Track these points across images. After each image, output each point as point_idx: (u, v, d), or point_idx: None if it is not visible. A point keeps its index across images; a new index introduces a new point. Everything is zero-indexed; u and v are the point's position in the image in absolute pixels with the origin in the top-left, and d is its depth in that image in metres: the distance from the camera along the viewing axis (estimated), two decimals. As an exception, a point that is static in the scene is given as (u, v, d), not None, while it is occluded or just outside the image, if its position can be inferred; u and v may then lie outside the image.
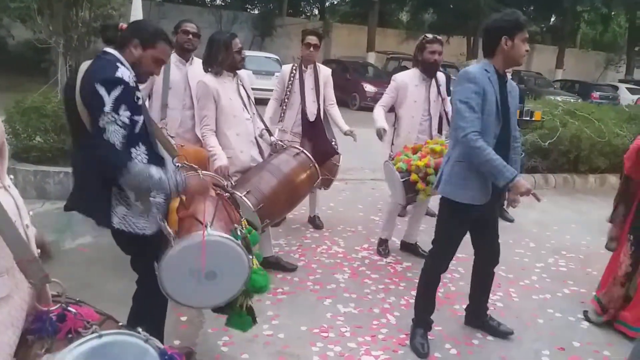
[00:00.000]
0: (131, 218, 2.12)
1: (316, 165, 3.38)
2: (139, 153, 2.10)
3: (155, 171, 2.02)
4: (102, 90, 1.94)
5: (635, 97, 18.40)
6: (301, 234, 4.53)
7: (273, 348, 2.78)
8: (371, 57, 20.43)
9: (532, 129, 6.32)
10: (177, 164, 2.49)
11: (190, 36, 3.65)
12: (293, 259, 3.93)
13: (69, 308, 1.40)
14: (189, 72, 3.69)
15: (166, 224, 2.15)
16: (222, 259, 2.05)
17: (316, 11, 26.07)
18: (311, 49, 4.18)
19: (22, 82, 10.66)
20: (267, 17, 21.08)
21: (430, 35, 3.96)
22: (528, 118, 4.95)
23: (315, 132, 4.31)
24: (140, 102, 2.09)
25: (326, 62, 17.00)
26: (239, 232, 2.16)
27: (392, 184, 3.84)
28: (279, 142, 3.53)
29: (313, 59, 4.28)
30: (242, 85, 3.43)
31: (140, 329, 1.45)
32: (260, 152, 3.50)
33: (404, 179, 3.57)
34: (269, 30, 20.92)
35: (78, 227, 4.10)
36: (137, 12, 4.37)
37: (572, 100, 12.38)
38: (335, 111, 4.48)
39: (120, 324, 1.52)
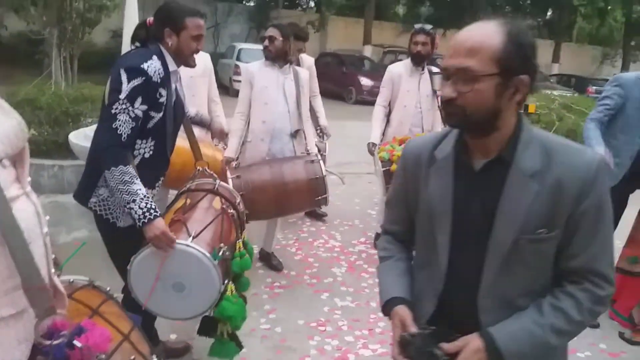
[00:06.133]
0: (109, 203, 2.10)
1: (326, 180, 3.21)
2: (145, 146, 2.10)
3: (135, 188, 1.93)
4: (123, 77, 1.94)
5: (631, 91, 18.37)
6: (298, 228, 4.51)
7: (270, 342, 2.77)
8: (367, 51, 20.33)
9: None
10: (198, 169, 2.48)
11: None
12: (290, 253, 3.92)
13: (82, 327, 1.24)
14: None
15: None
16: (191, 273, 1.96)
17: (312, 3, 25.91)
18: (297, 54, 4.12)
19: (15, 74, 10.52)
20: (263, 9, 20.89)
21: (418, 26, 3.93)
22: (522, 111, 4.92)
23: None
24: (162, 99, 2.06)
25: (322, 55, 16.91)
26: (220, 253, 2.01)
27: (377, 173, 3.82)
28: (307, 149, 3.46)
29: (296, 55, 4.18)
30: (296, 81, 3.43)
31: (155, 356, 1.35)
32: (294, 150, 3.47)
33: (384, 169, 3.54)
34: (265, 23, 20.66)
35: (74, 220, 4.07)
36: (130, 3, 4.31)
37: (568, 94, 12.37)
38: (317, 103, 4.44)
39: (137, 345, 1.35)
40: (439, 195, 1.21)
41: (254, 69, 3.43)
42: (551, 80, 19.51)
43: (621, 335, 3.14)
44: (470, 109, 1.09)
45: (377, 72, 15.27)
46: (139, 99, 1.96)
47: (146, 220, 1.90)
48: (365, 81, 14.66)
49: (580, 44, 28.00)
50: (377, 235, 4.27)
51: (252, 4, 22.94)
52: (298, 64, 4.21)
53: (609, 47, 27.46)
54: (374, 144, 3.88)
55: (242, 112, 3.44)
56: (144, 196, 1.94)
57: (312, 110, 4.43)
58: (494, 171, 1.16)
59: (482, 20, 1.11)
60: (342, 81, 14.78)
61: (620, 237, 3.29)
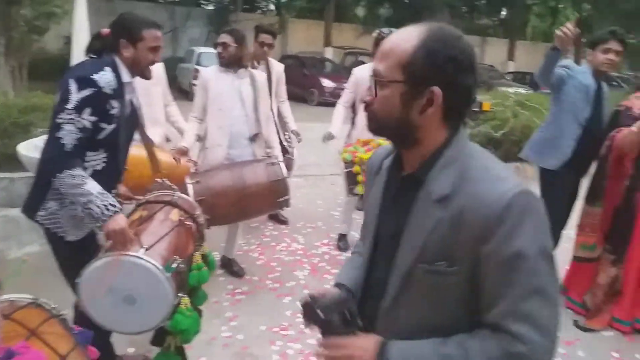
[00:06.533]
0: (58, 217, 2.05)
1: (286, 182, 3.23)
2: (97, 158, 2.06)
3: (88, 188, 1.89)
4: (73, 87, 1.90)
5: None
6: (260, 232, 4.49)
7: (232, 349, 2.75)
8: (328, 52, 20.44)
9: (484, 120, 6.47)
10: (156, 180, 2.44)
11: None
12: (252, 258, 3.90)
13: (12, 351, 1.20)
14: None
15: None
16: (143, 286, 1.91)
17: (272, 6, 25.83)
18: (265, 47, 4.13)
19: (-38, 84, 10.11)
20: (222, 13, 20.72)
21: (386, 30, 3.96)
22: (477, 109, 5.06)
23: None
24: (114, 111, 2.02)
25: (283, 58, 16.88)
26: (174, 265, 1.96)
27: (341, 174, 3.87)
28: (268, 152, 3.47)
29: (265, 57, 4.24)
30: (253, 84, 3.41)
31: None
32: (254, 154, 3.45)
33: (347, 170, 3.59)
34: (224, 26, 20.40)
35: (25, 235, 3.92)
36: (80, 9, 4.20)
37: (523, 91, 12.73)
38: (286, 108, 4.48)
39: None
40: (371, 206, 1.17)
41: (209, 74, 3.40)
42: (507, 78, 20.07)
43: (575, 324, 3.25)
44: (380, 115, 1.03)
45: (338, 73, 15.39)
46: (88, 110, 1.92)
47: (106, 217, 1.89)
48: (327, 83, 14.73)
49: (534, 42, 28.92)
50: (341, 236, 4.29)
51: (210, 7, 22.72)
52: (267, 65, 4.24)
53: (562, 44, 28.36)
54: (330, 134, 3.95)
55: (196, 116, 3.42)
56: (100, 193, 1.91)
57: (281, 116, 4.45)
58: (410, 188, 1.06)
59: (416, 24, 1.03)
60: (303, 83, 14.80)
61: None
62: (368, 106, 1.06)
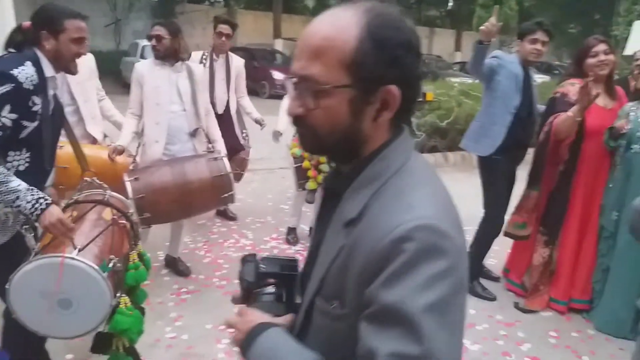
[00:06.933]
0: None
1: (230, 177, 3.15)
2: (20, 158, 1.95)
3: (14, 185, 1.80)
4: None
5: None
6: (207, 229, 4.41)
7: (176, 350, 2.69)
8: (278, 44, 20.28)
9: (430, 110, 6.60)
10: (85, 179, 2.34)
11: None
12: (198, 256, 3.82)
13: None
14: None
15: (33, 235, 1.97)
16: (79, 288, 1.84)
17: (220, -3, 25.38)
18: (223, 38, 4.09)
19: None
20: (167, 4, 20.09)
21: None
22: (421, 99, 5.15)
23: (222, 127, 4.18)
24: (36, 108, 1.91)
25: (233, 50, 16.54)
26: (110, 264, 1.91)
27: (291, 169, 3.88)
28: (210, 147, 3.38)
29: (225, 49, 4.18)
30: (190, 78, 3.31)
31: None
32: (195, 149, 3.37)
33: (296, 165, 3.59)
34: (170, 18, 19.94)
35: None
36: (4, 2, 3.95)
37: (469, 81, 13.05)
38: (246, 102, 4.49)
39: None
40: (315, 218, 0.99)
41: (144, 68, 3.29)
42: (454, 68, 20.56)
43: (516, 306, 3.37)
44: (321, 131, 0.80)
45: (289, 65, 14.97)
46: (7, 107, 1.82)
47: (39, 212, 1.81)
48: (278, 75, 14.63)
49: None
50: (290, 230, 4.27)
51: (156, -2, 22.00)
52: (227, 59, 4.23)
53: (505, 35, 29.29)
54: (279, 133, 3.94)
55: (134, 112, 3.31)
56: (28, 189, 1.82)
57: (239, 113, 4.45)
58: (334, 203, 0.86)
59: (342, 5, 0.80)
60: (254, 76, 14.55)
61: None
62: (300, 120, 0.82)
